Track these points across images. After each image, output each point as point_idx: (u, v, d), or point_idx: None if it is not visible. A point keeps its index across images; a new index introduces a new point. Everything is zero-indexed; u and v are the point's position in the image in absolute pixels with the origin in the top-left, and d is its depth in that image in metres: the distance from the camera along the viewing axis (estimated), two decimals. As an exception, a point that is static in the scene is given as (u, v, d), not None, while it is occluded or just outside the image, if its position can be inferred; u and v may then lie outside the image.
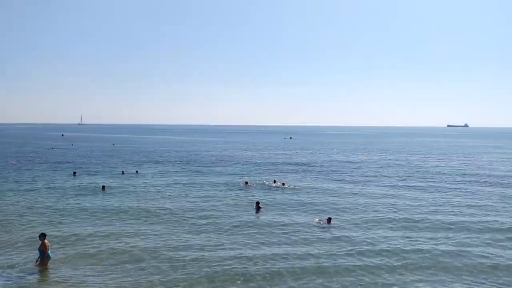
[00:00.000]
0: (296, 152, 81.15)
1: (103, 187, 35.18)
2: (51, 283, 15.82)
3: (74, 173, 44.63)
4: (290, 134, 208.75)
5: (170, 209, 27.38)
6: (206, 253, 18.84)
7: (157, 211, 26.85)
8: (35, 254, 17.59)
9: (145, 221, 24.37)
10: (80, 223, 23.81)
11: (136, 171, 46.18)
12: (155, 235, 21.66)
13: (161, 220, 24.49)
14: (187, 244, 20.09)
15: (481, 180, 42.25)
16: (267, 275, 16.52)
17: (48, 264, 17.16)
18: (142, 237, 21.23)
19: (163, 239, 20.95)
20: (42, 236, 17.34)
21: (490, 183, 40.59)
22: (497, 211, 27.79)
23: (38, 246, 17.43)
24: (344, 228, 23.20)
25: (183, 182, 39.44)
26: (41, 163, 55.75)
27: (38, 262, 17.18)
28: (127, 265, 17.39)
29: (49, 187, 35.53)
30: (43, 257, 17.12)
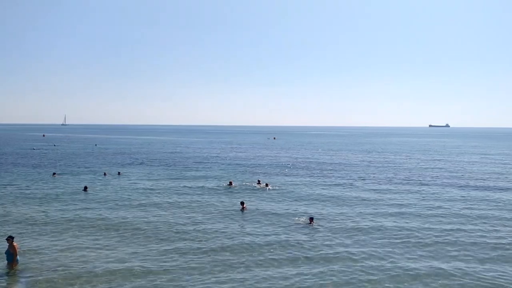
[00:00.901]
0: (280, 153, 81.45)
1: (85, 187, 34.82)
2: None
3: (54, 174, 44.10)
4: (274, 134, 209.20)
5: (153, 211, 27.17)
6: (191, 250, 18.96)
7: (140, 214, 26.28)
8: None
9: (126, 226, 23.49)
10: (55, 229, 22.61)
11: (118, 173, 45.78)
12: (137, 238, 21.48)
13: (144, 225, 23.90)
14: (171, 244, 20.07)
15: (462, 182, 42.97)
16: (249, 273, 16.64)
17: (16, 267, 16.57)
18: (123, 244, 20.78)
19: (145, 243, 20.70)
20: (10, 238, 16.79)
21: (472, 184, 41.30)
22: (482, 214, 28.29)
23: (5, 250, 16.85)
24: (326, 228, 23.41)
25: (166, 183, 39.27)
26: (21, 164, 54.91)
27: (5, 266, 16.59)
28: (101, 277, 16.30)
29: (27, 189, 34.94)
30: (11, 260, 16.55)
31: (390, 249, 19.76)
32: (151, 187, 36.45)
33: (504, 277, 16.57)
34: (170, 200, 30.81)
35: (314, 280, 16.23)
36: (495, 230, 23.24)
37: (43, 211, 26.84)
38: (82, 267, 17.07)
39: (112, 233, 22.24)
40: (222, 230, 22.74)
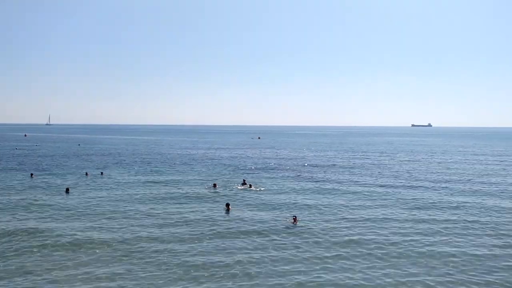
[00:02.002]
0: (264, 153, 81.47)
1: (67, 189, 34.19)
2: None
3: (31, 174, 43.20)
4: (259, 134, 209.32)
5: (135, 215, 26.62)
6: (172, 251, 18.90)
7: (122, 219, 25.51)
8: None
9: (107, 230, 23.05)
10: (28, 240, 20.89)
11: (101, 173, 45.31)
12: (120, 245, 21.15)
13: (127, 230, 23.22)
14: (154, 245, 19.89)
15: (445, 178, 43.49)
16: (233, 273, 16.69)
17: None
18: (104, 253, 20.32)
19: (129, 250, 20.12)
20: None
21: (456, 181, 41.81)
22: (467, 208, 28.62)
23: None
24: (309, 227, 23.52)
25: (149, 184, 38.85)
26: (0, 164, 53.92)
27: None
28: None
29: (2, 191, 34.04)
30: None
31: (372, 247, 19.85)
32: (134, 189, 35.94)
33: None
34: (153, 202, 30.42)
35: (297, 278, 16.27)
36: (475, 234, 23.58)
37: (17, 218, 25.30)
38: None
39: (94, 242, 21.11)
40: (207, 232, 22.60)
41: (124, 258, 18.47)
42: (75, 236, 21.35)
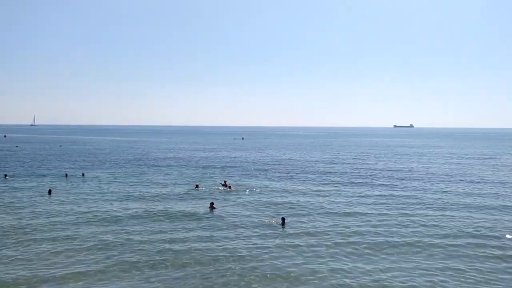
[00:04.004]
0: (248, 154, 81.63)
1: (50, 191, 33.86)
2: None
3: (5, 175, 42.49)
4: (242, 134, 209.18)
5: (118, 216, 26.48)
6: (157, 252, 19.12)
7: (104, 218, 25.60)
8: None
9: (88, 232, 22.79)
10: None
11: (83, 174, 45.09)
12: (100, 249, 21.13)
13: (109, 232, 22.90)
14: (137, 247, 19.98)
15: (424, 177, 44.29)
16: (221, 274, 16.96)
17: None
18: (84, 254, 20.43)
19: (111, 253, 19.95)
20: None
21: (434, 180, 42.61)
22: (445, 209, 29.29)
23: None
24: (298, 228, 23.76)
25: (132, 185, 38.80)
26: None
27: None
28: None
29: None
30: None
31: (360, 249, 20.20)
32: (116, 190, 35.80)
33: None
34: (135, 203, 30.38)
35: (286, 281, 16.49)
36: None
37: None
38: None
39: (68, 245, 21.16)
40: (192, 231, 22.79)
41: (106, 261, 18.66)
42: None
